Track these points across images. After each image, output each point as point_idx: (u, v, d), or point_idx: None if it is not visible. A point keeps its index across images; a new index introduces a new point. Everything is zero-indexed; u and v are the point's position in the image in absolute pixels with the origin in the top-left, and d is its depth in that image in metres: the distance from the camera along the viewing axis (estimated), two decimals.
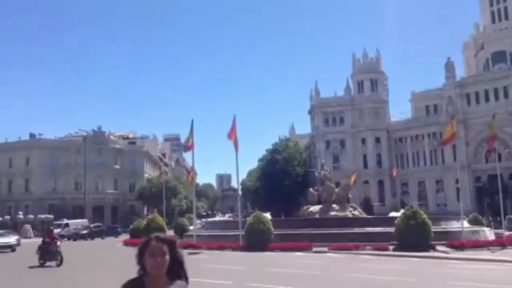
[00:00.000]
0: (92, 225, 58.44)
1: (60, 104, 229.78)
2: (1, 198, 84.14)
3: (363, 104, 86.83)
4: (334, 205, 38.19)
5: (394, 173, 63.90)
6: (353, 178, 51.41)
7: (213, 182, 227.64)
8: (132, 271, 3.11)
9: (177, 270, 2.96)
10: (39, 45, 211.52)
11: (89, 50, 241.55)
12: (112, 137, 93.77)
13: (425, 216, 26.12)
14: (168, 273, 2.93)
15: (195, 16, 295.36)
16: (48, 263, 21.56)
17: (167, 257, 2.90)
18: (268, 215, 32.59)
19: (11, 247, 34.15)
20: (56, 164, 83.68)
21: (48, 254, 21.79)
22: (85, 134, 78.32)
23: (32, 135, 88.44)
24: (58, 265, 21.24)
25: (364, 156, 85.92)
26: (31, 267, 21.05)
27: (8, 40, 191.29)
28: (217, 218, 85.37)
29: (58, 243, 22.27)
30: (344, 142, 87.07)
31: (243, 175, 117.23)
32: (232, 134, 30.14)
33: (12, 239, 36.39)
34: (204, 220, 62.32)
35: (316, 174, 46.54)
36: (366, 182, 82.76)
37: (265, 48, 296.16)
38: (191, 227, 39.41)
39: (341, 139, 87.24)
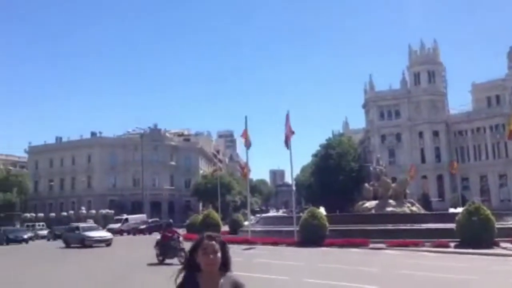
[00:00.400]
0: (150, 220, 60.12)
1: (118, 102, 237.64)
2: (65, 195, 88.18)
3: (420, 97, 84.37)
4: (390, 201, 37.38)
5: (454, 168, 61.65)
6: (411, 173, 50.06)
7: (267, 178, 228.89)
8: None
9: (226, 266, 3.17)
10: (100, 43, 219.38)
11: (146, 48, 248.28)
12: (167, 134, 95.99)
13: (488, 211, 25.06)
14: (219, 269, 3.14)
15: (249, 11, 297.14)
16: (168, 261, 20.12)
17: (219, 254, 3.10)
18: (322, 211, 32.32)
19: (107, 242, 33.90)
20: (115, 161, 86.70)
21: (170, 250, 20.25)
22: (142, 131, 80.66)
23: (93, 134, 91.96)
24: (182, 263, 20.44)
25: (422, 150, 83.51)
26: (150, 264, 19.77)
27: (69, 39, 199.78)
28: (271, 214, 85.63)
29: (180, 238, 20.84)
30: (400, 136, 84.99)
31: (296, 171, 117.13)
32: (287, 131, 30.13)
33: (107, 233, 36.57)
34: (258, 215, 62.74)
35: (371, 169, 45.68)
36: (424, 177, 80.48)
37: (318, 43, 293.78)
38: (246, 223, 39.69)
39: (397, 133, 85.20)
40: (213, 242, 3.13)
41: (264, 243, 29.06)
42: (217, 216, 40.22)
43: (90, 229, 36.56)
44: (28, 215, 72.61)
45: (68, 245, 34.74)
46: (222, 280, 3.11)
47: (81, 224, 39.46)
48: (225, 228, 42.23)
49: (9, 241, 41.94)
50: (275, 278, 14.87)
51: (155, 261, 20.44)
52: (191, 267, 3.16)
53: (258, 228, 36.36)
